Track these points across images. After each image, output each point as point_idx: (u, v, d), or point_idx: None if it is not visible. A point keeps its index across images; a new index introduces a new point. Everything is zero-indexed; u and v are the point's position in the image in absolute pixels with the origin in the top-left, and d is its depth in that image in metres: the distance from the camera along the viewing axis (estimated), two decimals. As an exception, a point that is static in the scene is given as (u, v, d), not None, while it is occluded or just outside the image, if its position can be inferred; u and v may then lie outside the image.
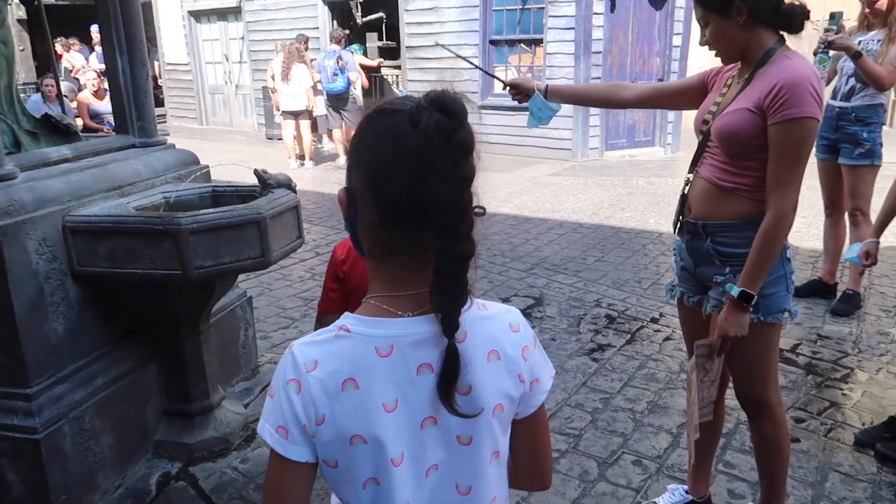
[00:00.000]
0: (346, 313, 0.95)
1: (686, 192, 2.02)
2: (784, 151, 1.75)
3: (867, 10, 3.84)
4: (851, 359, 3.52)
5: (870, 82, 3.67)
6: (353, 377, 0.89)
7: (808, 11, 1.81)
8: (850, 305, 4.06)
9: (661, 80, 9.81)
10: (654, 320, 4.06)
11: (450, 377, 0.89)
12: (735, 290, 1.84)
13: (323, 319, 1.97)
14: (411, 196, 0.86)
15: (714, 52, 1.91)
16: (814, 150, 4.35)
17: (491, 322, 0.98)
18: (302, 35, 10.02)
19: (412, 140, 0.85)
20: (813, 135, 1.77)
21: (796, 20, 1.81)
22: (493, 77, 2.70)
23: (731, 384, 2.15)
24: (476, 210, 0.91)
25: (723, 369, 2.07)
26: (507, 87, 2.38)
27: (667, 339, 3.80)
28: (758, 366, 2.00)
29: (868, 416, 2.98)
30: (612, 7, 9.24)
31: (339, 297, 1.96)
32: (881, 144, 3.91)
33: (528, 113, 2.34)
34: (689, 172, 2.03)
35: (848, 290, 4.12)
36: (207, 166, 3.15)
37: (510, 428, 1.02)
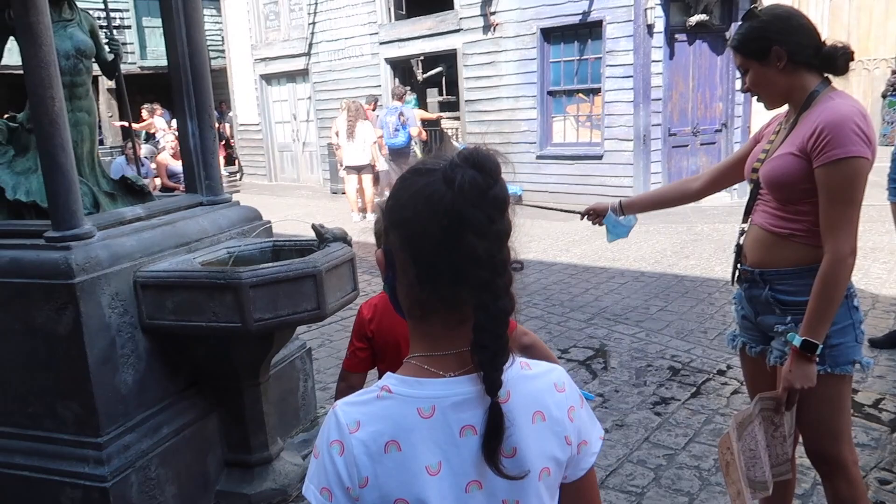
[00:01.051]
0: (388, 373, 0.94)
1: (741, 241, 1.98)
2: (833, 194, 1.71)
3: None
4: (935, 416, 3.28)
5: None
6: (396, 439, 0.88)
7: (852, 52, 1.79)
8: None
9: (724, 124, 9.67)
10: (720, 372, 3.90)
11: (494, 438, 0.87)
12: (797, 340, 1.77)
13: (348, 378, 1.96)
14: (448, 254, 0.87)
15: (756, 99, 1.90)
16: (886, 193, 4.19)
17: (535, 381, 0.96)
18: (372, 96, 10.43)
19: (447, 198, 0.86)
20: (863, 174, 1.72)
21: (840, 61, 1.79)
22: (568, 212, 2.74)
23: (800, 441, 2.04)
24: (514, 265, 0.90)
25: (794, 425, 1.97)
26: (584, 217, 2.46)
27: (734, 392, 3.64)
28: (827, 421, 1.89)
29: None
30: (672, 54, 9.23)
31: (367, 357, 1.94)
32: None
33: (607, 229, 2.44)
34: (743, 222, 1.99)
35: None
36: (269, 221, 3.28)
37: (558, 492, 0.98)
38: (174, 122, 11.72)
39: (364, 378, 2.00)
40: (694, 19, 8.98)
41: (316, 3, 12.94)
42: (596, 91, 9.67)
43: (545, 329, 4.74)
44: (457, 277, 0.87)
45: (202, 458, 2.71)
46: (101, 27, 2.94)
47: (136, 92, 13.52)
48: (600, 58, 9.46)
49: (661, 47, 9.08)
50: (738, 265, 2.00)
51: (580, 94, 9.94)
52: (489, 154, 0.89)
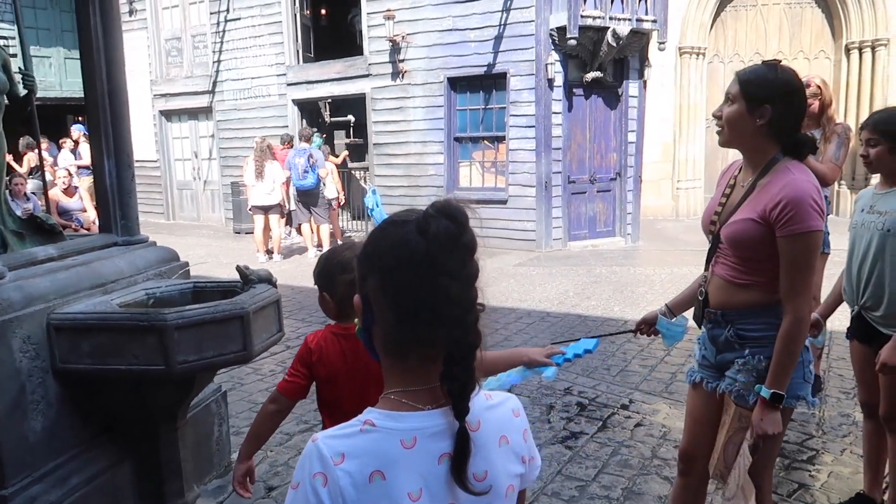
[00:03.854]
0: (369, 408, 1.01)
1: (705, 287, 2.14)
2: (794, 262, 1.90)
3: None
4: (816, 440, 3.63)
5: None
6: (381, 469, 0.94)
7: (817, 147, 1.99)
8: (814, 387, 4.20)
9: (618, 173, 10.31)
10: (624, 406, 4.14)
11: (462, 458, 0.96)
12: (766, 392, 1.93)
13: (279, 400, 1.99)
14: (425, 296, 0.96)
15: (717, 129, 2.04)
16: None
17: (498, 410, 1.07)
18: (287, 135, 10.41)
19: (421, 246, 0.96)
20: (819, 244, 1.92)
21: (804, 150, 1.98)
22: (622, 332, 2.81)
23: None
24: (479, 306, 1.01)
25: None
26: (637, 333, 2.48)
27: (638, 424, 3.87)
28: (764, 450, 2.05)
29: (836, 497, 3.06)
30: (570, 107, 9.81)
31: (303, 386, 1.98)
32: (828, 233, 4.18)
33: (662, 335, 2.42)
34: (705, 270, 2.16)
35: None
36: (187, 262, 3.22)
37: None
38: (63, 157, 11.21)
39: (293, 405, 2.03)
40: (590, 76, 9.62)
41: (221, 42, 12.82)
42: (501, 139, 10.10)
43: (458, 369, 4.84)
44: (432, 317, 0.97)
45: (113, 509, 2.59)
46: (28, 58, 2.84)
47: (20, 123, 12.78)
48: (504, 107, 9.92)
49: (560, 100, 9.66)
50: (704, 309, 2.14)
51: (486, 141, 10.34)
52: (459, 206, 1.00)
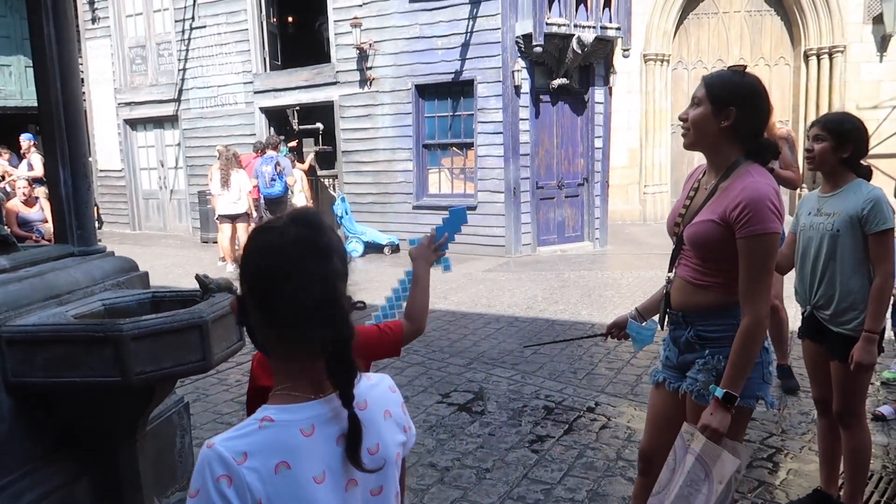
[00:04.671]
0: (264, 406, 1.07)
1: (668, 289, 2.18)
2: (752, 263, 1.93)
3: None
4: (776, 439, 3.70)
5: (786, 187, 4.06)
6: (285, 460, 1.01)
7: (779, 153, 2.03)
8: (794, 380, 4.33)
9: (586, 179, 10.43)
10: (590, 409, 4.18)
11: (355, 441, 1.05)
12: (719, 392, 1.95)
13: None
14: (288, 298, 1.04)
15: (682, 132, 2.08)
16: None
17: (378, 388, 1.18)
18: (260, 143, 10.15)
19: (280, 251, 1.05)
20: (776, 246, 1.96)
21: (767, 155, 2.03)
22: (589, 337, 2.80)
23: None
24: (357, 304, 1.13)
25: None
26: (607, 336, 2.50)
27: (603, 427, 3.91)
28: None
29: (795, 493, 3.12)
30: (537, 114, 9.90)
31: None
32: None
33: (633, 339, 2.45)
34: (668, 271, 2.20)
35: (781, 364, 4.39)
36: (146, 272, 3.18)
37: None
38: (22, 167, 10.96)
39: None
40: (556, 82, 9.72)
41: (187, 50, 12.69)
42: (469, 145, 10.15)
43: (426, 375, 4.85)
44: (299, 318, 1.05)
45: (70, 525, 2.53)
46: None
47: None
48: (472, 114, 9.98)
49: (527, 107, 9.74)
50: (667, 310, 2.19)
51: (454, 148, 10.38)
52: (315, 213, 1.13)
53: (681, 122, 2.09)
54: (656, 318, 2.35)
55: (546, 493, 3.17)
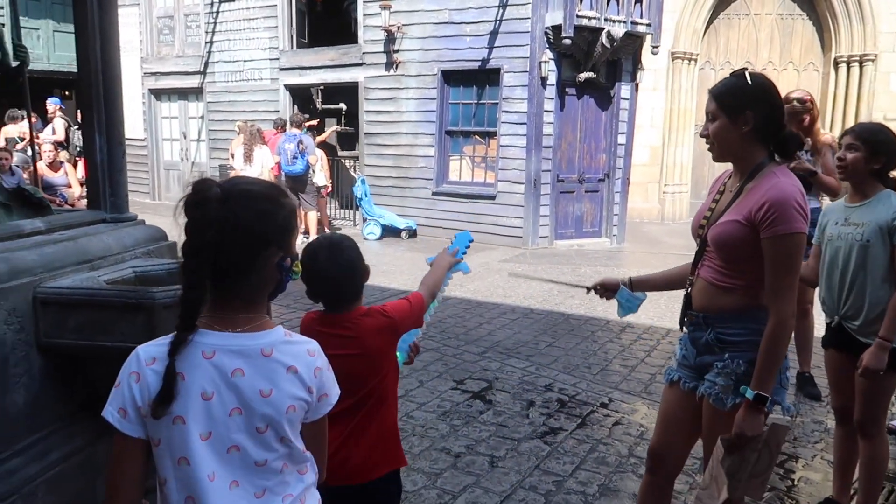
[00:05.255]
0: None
1: (689, 290, 2.19)
2: (778, 264, 1.93)
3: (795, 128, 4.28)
4: (788, 446, 3.69)
5: (827, 194, 4.02)
6: (182, 371, 1.21)
7: (803, 143, 2.02)
8: (815, 388, 4.33)
9: (607, 175, 10.37)
10: (603, 405, 4.19)
11: (171, 374, 1.22)
12: (750, 394, 1.96)
13: None
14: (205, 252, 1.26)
15: (708, 147, 2.09)
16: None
17: (293, 346, 1.31)
18: (281, 119, 10.31)
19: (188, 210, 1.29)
20: (802, 246, 1.95)
21: (791, 147, 2.03)
22: (577, 286, 2.81)
23: None
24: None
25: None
26: (593, 290, 2.51)
27: (616, 423, 3.92)
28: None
29: (804, 501, 3.12)
30: (562, 106, 9.85)
31: None
32: None
33: (616, 304, 2.48)
34: (691, 274, 2.20)
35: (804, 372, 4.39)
36: (174, 242, 3.21)
37: (300, 427, 1.34)
38: (47, 132, 11.04)
39: None
40: (583, 76, 9.65)
41: (214, 23, 12.70)
42: (492, 134, 10.12)
43: (441, 361, 4.87)
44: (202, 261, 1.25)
45: (92, 485, 2.57)
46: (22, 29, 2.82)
47: (4, 97, 12.54)
48: (497, 103, 9.93)
49: (552, 99, 9.68)
50: (687, 310, 2.19)
51: (476, 136, 10.35)
52: (206, 179, 1.30)
53: (704, 139, 2.10)
54: (646, 293, 2.45)
55: (558, 485, 3.19)
